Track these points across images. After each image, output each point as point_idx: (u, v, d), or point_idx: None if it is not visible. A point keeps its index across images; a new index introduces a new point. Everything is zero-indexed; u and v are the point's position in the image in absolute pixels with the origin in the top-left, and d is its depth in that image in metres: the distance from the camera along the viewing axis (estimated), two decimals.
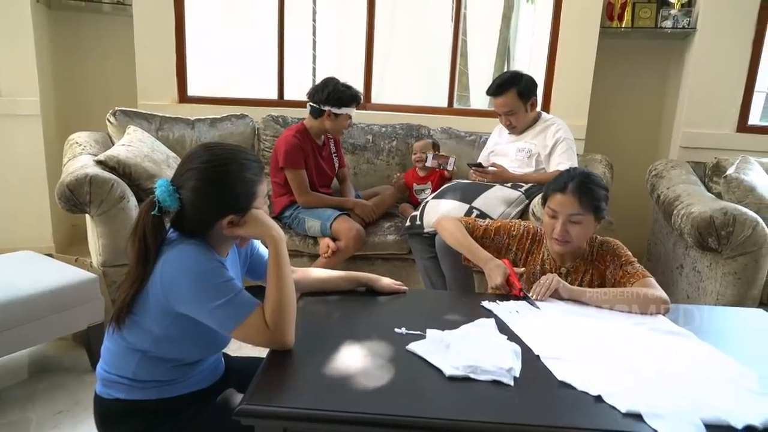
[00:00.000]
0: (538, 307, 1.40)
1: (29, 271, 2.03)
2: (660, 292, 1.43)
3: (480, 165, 2.54)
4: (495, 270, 1.56)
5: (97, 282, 2.08)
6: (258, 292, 1.18)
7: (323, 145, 2.71)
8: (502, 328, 1.29)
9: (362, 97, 2.64)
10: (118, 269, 2.26)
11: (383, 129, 3.13)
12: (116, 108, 2.86)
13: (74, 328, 2.05)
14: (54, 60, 3.23)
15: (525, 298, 1.46)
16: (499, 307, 1.40)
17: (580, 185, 1.52)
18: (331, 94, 2.54)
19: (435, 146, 2.93)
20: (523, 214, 2.29)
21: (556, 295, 1.45)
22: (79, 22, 3.27)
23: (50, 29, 3.19)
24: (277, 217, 2.64)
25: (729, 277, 2.07)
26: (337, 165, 2.81)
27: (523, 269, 1.61)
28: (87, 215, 2.31)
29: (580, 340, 1.23)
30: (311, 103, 2.59)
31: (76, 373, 2.09)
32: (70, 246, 3.32)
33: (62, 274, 2.03)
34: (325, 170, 2.72)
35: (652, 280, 1.48)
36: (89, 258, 2.44)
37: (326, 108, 2.55)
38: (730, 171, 2.36)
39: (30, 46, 2.96)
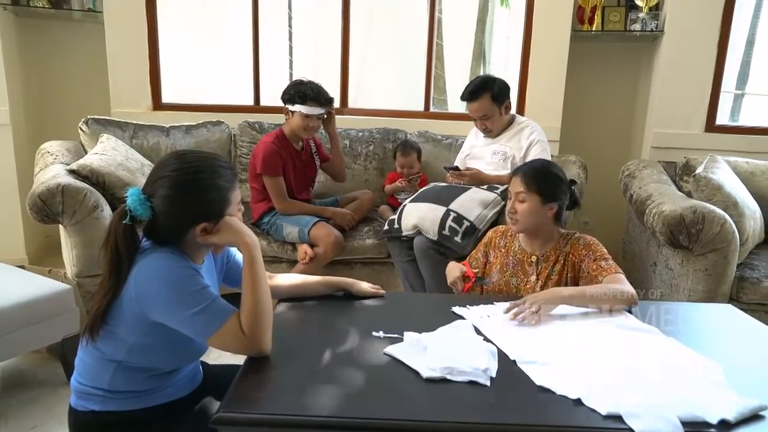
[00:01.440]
0: (489, 282, 1.60)
1: (1, 284, 1.98)
2: (629, 288, 1.49)
3: (456, 168, 2.56)
4: (452, 267, 1.80)
5: (72, 293, 2.04)
6: (236, 299, 1.18)
7: (302, 149, 2.69)
8: (479, 329, 1.30)
9: (328, 97, 2.58)
10: (92, 279, 2.22)
11: (360, 133, 3.14)
12: (89, 116, 2.82)
13: (49, 341, 2.01)
14: (24, 68, 3.17)
15: (478, 279, 1.69)
16: (470, 312, 1.41)
17: (529, 170, 1.70)
18: (288, 92, 2.54)
19: (419, 153, 2.94)
20: (499, 216, 2.32)
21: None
22: (48, 29, 3.22)
23: (18, 37, 3.13)
24: (256, 224, 2.63)
25: (700, 274, 2.12)
26: (318, 163, 2.77)
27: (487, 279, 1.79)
28: (60, 225, 2.27)
29: (552, 343, 1.25)
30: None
31: (51, 386, 2.05)
32: (43, 257, 3.25)
33: (35, 285, 1.99)
34: (305, 174, 2.71)
35: (622, 276, 1.55)
36: (63, 269, 2.39)
37: (286, 106, 2.56)
38: (699, 170, 2.43)
39: None
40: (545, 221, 1.68)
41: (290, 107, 2.53)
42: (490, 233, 1.86)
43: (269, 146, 2.54)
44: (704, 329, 1.47)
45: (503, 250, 1.77)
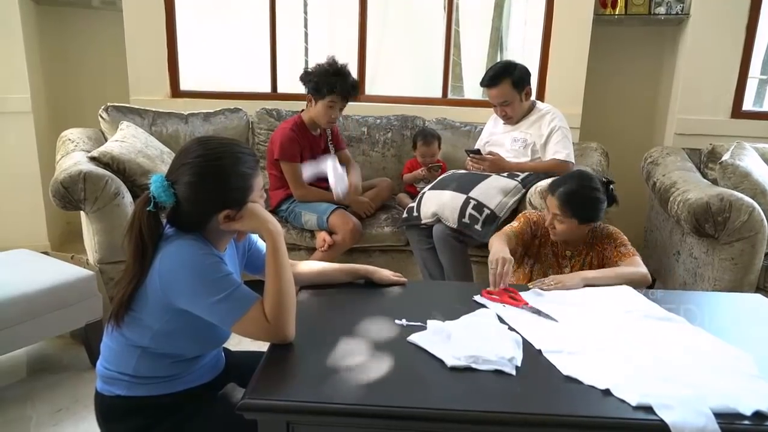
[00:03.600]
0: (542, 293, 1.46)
1: (26, 270, 2.01)
2: (642, 269, 1.62)
3: (478, 152, 2.53)
4: (499, 248, 1.61)
5: (94, 279, 2.07)
6: (257, 286, 1.18)
7: (319, 136, 2.67)
8: (502, 318, 1.29)
9: (355, 86, 2.49)
10: (114, 266, 2.25)
11: (378, 121, 3.12)
12: (108, 104, 2.83)
13: (72, 326, 2.04)
14: (44, 56, 3.19)
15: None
16: (492, 303, 1.39)
17: (566, 195, 1.69)
18: (313, 80, 2.46)
19: (439, 141, 2.91)
20: (519, 204, 2.29)
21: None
22: (68, 17, 3.24)
23: (39, 25, 3.15)
24: (274, 211, 2.63)
25: (726, 263, 2.08)
26: (333, 150, 2.74)
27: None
28: (82, 212, 2.30)
29: (578, 332, 1.23)
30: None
31: (75, 370, 2.08)
32: (65, 243, 3.30)
33: (59, 271, 2.02)
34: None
35: (638, 258, 1.68)
36: (85, 255, 2.42)
37: (309, 94, 2.50)
38: (726, 157, 2.37)
39: (19, 43, 2.92)
40: (584, 233, 1.76)
41: (314, 96, 2.48)
42: (534, 216, 1.85)
43: (287, 133, 2.52)
44: (733, 319, 1.43)
45: (543, 240, 1.82)
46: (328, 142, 2.73)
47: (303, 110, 2.62)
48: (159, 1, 3.10)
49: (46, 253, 2.30)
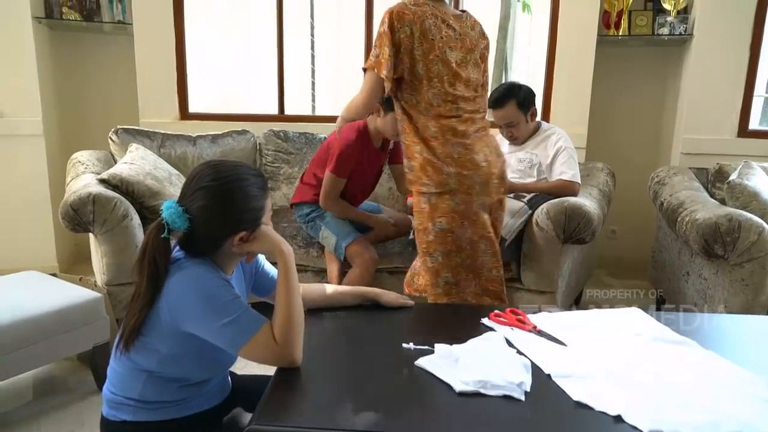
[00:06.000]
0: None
1: (34, 291, 2.02)
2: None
3: None
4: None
5: (102, 301, 2.07)
6: (262, 308, 1.18)
7: (381, 149, 2.49)
8: (511, 342, 1.28)
9: None
10: (122, 288, 2.25)
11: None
12: (118, 126, 2.87)
13: (80, 348, 2.04)
14: (56, 80, 3.25)
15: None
16: (500, 326, 1.38)
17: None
18: None
19: None
20: (526, 225, 2.29)
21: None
22: (80, 41, 3.30)
23: (52, 49, 3.21)
24: (294, 205, 2.56)
25: (736, 284, 2.06)
26: (388, 160, 2.58)
27: None
28: (90, 234, 2.31)
29: (588, 355, 1.22)
30: None
31: (81, 393, 2.07)
32: (73, 265, 3.32)
33: (67, 293, 2.02)
34: (373, 175, 2.54)
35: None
36: (93, 277, 2.43)
37: (377, 104, 2.26)
38: (733, 177, 2.36)
39: (32, 67, 2.98)
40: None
41: (384, 106, 2.27)
42: None
43: (350, 146, 2.35)
44: (745, 342, 1.42)
45: None
46: (388, 152, 2.57)
47: (370, 118, 2.41)
48: (169, 25, 3.16)
49: (54, 274, 2.31)
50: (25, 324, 1.83)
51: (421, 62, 1.76)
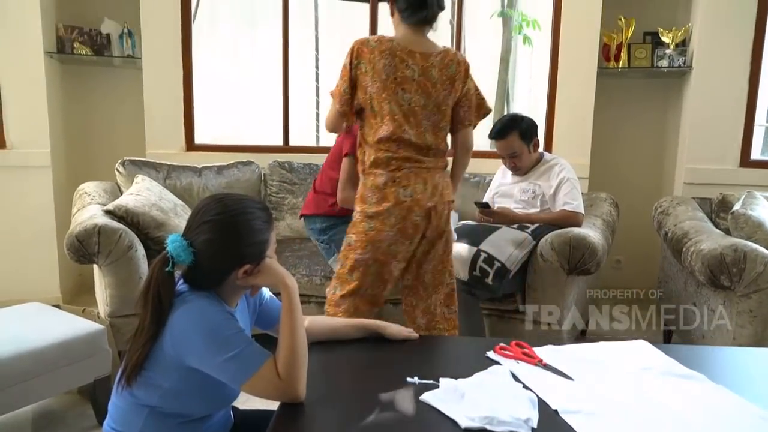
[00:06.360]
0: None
1: (37, 324, 2.02)
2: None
3: (486, 205, 2.54)
4: None
5: (105, 334, 2.06)
6: (264, 341, 1.17)
7: None
8: (516, 376, 1.26)
9: None
10: (125, 320, 2.25)
11: None
12: (125, 158, 2.91)
13: (81, 382, 2.02)
14: (65, 112, 3.31)
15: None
16: (506, 359, 1.37)
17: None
18: None
19: None
20: (530, 256, 2.28)
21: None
22: (90, 75, 3.37)
23: (62, 83, 3.28)
24: (309, 216, 2.42)
25: (744, 316, 2.04)
26: None
27: None
28: (95, 265, 2.32)
29: (595, 390, 1.20)
30: None
31: (80, 428, 2.04)
32: (77, 296, 3.31)
33: (70, 325, 2.02)
34: None
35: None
36: (96, 308, 2.43)
37: None
38: (737, 207, 2.36)
39: (42, 101, 3.04)
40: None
41: None
42: None
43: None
44: (756, 376, 1.39)
45: None
46: None
47: None
48: (177, 59, 3.23)
49: (57, 306, 2.31)
50: (27, 357, 1.82)
51: (375, 99, 1.81)
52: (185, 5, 3.22)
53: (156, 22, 3.15)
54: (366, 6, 3.44)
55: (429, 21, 1.84)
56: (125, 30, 3.23)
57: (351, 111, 1.86)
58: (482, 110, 2.00)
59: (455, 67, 1.86)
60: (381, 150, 1.83)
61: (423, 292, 1.98)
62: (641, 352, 1.41)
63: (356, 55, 1.81)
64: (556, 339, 2.30)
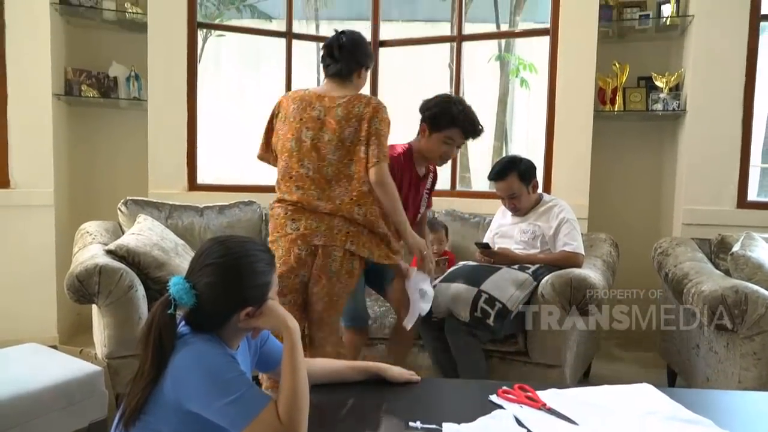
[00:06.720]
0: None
1: (34, 365, 1.98)
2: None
3: (487, 245, 2.55)
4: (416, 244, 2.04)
5: (102, 375, 2.03)
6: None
7: (423, 177, 2.32)
8: (521, 421, 1.24)
9: (480, 128, 2.22)
10: (123, 361, 2.22)
11: None
12: (128, 198, 2.93)
13: (76, 426, 1.97)
14: (70, 152, 3.35)
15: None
16: (509, 403, 1.35)
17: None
18: (432, 108, 2.18)
19: (446, 231, 2.95)
20: (531, 296, 2.28)
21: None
22: (95, 116, 3.43)
23: (68, 123, 3.34)
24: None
25: (748, 358, 2.02)
26: (424, 207, 2.38)
27: None
28: (94, 305, 2.31)
29: None
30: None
31: None
32: (74, 335, 3.28)
33: (67, 367, 1.98)
34: (409, 209, 2.23)
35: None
36: (93, 349, 2.40)
37: (424, 123, 2.20)
38: (736, 248, 2.37)
39: (48, 141, 3.09)
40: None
41: (430, 126, 2.18)
42: None
43: (397, 158, 2.17)
44: (762, 421, 1.37)
45: None
46: (426, 194, 2.37)
47: (415, 139, 2.30)
48: (182, 102, 3.30)
49: (54, 346, 2.29)
50: (23, 399, 1.78)
51: (281, 140, 1.98)
52: (191, 50, 3.31)
53: (163, 65, 3.24)
54: None
55: (340, 74, 1.98)
56: (132, 73, 3.31)
57: (268, 154, 2.10)
58: (385, 157, 1.92)
59: (362, 107, 1.91)
60: (282, 187, 1.97)
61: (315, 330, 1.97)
62: (646, 395, 1.40)
63: (278, 106, 2.05)
64: (559, 380, 2.27)
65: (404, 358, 2.30)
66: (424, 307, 2.10)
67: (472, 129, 2.21)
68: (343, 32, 2.01)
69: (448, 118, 2.16)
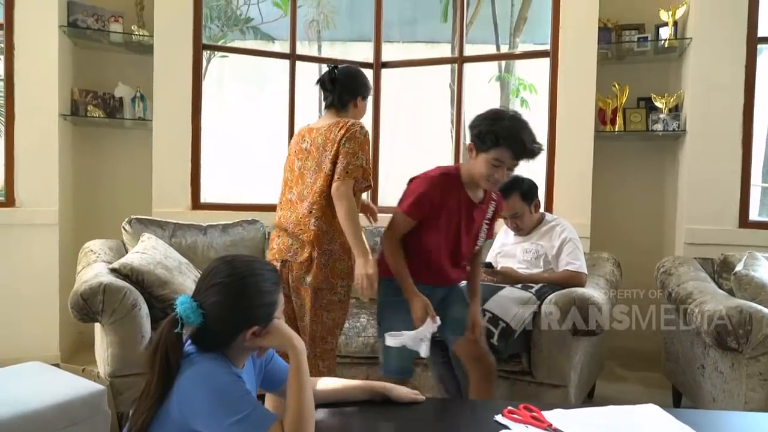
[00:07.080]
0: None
1: (37, 384, 1.97)
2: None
3: (490, 265, 2.56)
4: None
5: (105, 394, 2.02)
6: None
7: (481, 202, 2.02)
8: None
9: (534, 146, 1.85)
10: (125, 380, 2.21)
11: None
12: (132, 216, 2.95)
13: None
14: (75, 171, 3.38)
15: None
16: (515, 423, 1.35)
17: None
18: (478, 126, 1.87)
19: None
20: (535, 316, 2.28)
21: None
22: (100, 135, 3.47)
23: (74, 143, 3.37)
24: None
25: (754, 379, 2.01)
26: (483, 238, 2.10)
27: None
28: (97, 324, 2.30)
29: None
30: None
31: None
32: (75, 354, 3.26)
33: (70, 386, 1.97)
34: (461, 240, 1.98)
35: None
36: (96, 367, 2.39)
37: (471, 142, 1.92)
38: (739, 268, 2.37)
39: (54, 161, 3.12)
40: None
41: (476, 145, 1.89)
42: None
43: (428, 182, 1.93)
44: None
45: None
46: (484, 223, 2.07)
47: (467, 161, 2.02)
48: (187, 122, 3.33)
49: (56, 365, 2.28)
50: (27, 419, 1.77)
51: (283, 174, 2.17)
52: (196, 71, 3.36)
53: (168, 86, 3.28)
54: (370, 71, 3.59)
55: (333, 105, 2.10)
56: (138, 94, 3.35)
57: None
58: (350, 173, 1.92)
59: (338, 131, 1.98)
60: (278, 212, 2.13)
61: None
62: (653, 416, 1.39)
63: (290, 146, 2.21)
64: (564, 400, 2.26)
65: (491, 392, 2.05)
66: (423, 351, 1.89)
67: (521, 148, 1.82)
68: (336, 66, 2.11)
69: (492, 137, 1.82)
